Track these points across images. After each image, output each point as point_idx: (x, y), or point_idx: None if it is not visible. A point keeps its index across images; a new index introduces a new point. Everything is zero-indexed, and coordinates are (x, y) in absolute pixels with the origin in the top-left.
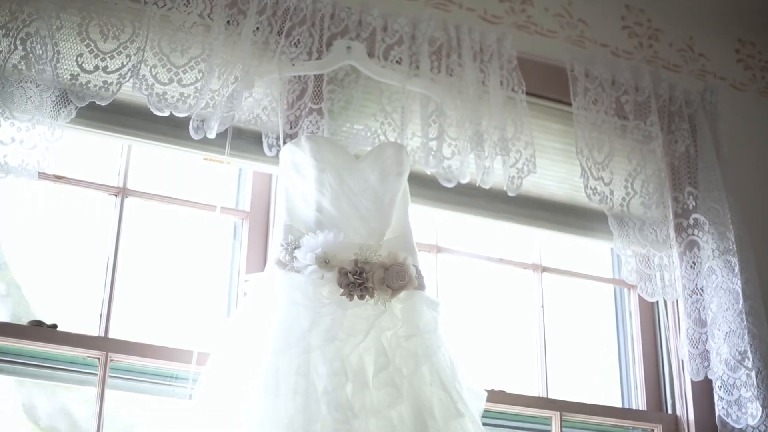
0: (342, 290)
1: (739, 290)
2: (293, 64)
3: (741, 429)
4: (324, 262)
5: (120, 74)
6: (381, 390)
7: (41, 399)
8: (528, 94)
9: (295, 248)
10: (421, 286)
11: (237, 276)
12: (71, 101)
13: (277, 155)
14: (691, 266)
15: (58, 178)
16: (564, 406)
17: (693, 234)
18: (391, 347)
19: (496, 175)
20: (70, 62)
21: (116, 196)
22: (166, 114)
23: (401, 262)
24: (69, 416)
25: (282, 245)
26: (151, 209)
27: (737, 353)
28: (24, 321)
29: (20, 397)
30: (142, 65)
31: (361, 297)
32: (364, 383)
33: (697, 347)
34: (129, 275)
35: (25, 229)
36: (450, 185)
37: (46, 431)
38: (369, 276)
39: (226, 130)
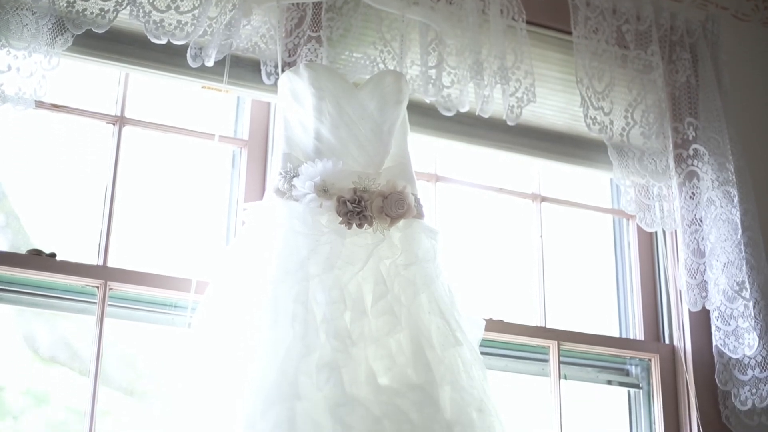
0: (341, 219)
1: (738, 221)
2: None
3: (737, 359)
4: (323, 190)
5: (117, 1)
6: (379, 318)
7: (42, 329)
8: (528, 23)
9: (294, 177)
10: (420, 215)
11: (235, 205)
12: (68, 29)
13: (275, 83)
14: (690, 197)
15: (56, 107)
16: (562, 336)
17: (692, 164)
18: (390, 276)
19: (496, 104)
20: None
21: (114, 124)
22: (164, 42)
23: (400, 191)
24: (69, 346)
25: (280, 174)
26: (149, 138)
27: (735, 284)
28: (23, 251)
29: (21, 328)
30: None
31: (360, 225)
32: (363, 311)
33: (695, 278)
34: (127, 204)
35: (22, 159)
36: (449, 114)
37: (47, 361)
38: (368, 204)
39: (224, 58)
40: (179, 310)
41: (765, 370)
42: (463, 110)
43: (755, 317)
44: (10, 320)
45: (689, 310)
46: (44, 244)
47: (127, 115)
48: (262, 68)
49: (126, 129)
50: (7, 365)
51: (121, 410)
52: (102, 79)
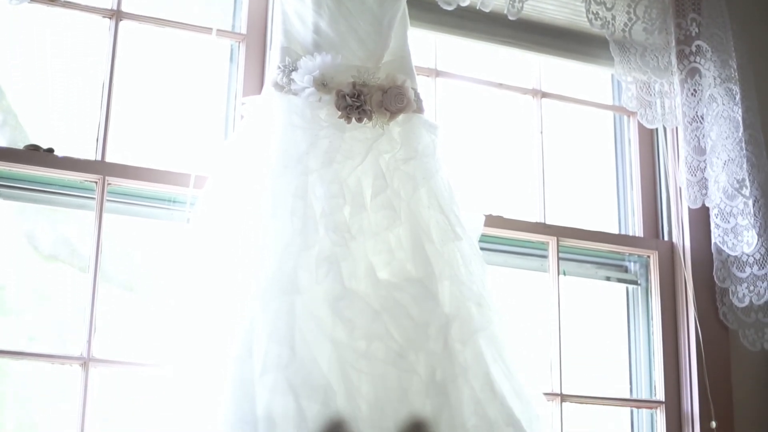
0: (340, 113)
1: (740, 119)
2: None
3: (736, 256)
4: (321, 84)
5: None
6: (379, 213)
7: (42, 227)
8: None
9: (292, 71)
10: (419, 110)
11: (234, 99)
12: None
13: None
14: (692, 94)
15: (51, 2)
16: (561, 232)
17: (695, 61)
18: (389, 170)
19: None
20: None
21: (110, 18)
22: None
23: (399, 85)
24: (69, 244)
25: (279, 67)
26: (147, 33)
27: (735, 181)
28: (21, 147)
29: (22, 226)
30: None
31: (359, 120)
32: (362, 206)
33: (695, 175)
34: (125, 100)
35: (19, 56)
36: (449, 8)
37: (48, 259)
38: (367, 98)
39: None
40: (178, 205)
41: (763, 268)
42: (463, 4)
43: (754, 215)
44: (11, 219)
45: (689, 208)
46: (42, 140)
47: (123, 9)
48: None
49: (123, 23)
50: (8, 263)
51: (121, 306)
52: None
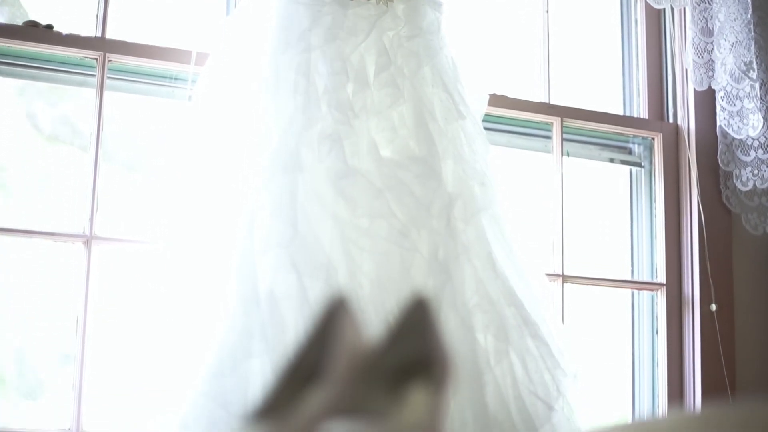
0: None
1: (748, 0)
2: None
3: (741, 140)
4: None
5: None
6: (382, 90)
7: (43, 107)
8: None
9: None
10: None
11: None
12: None
13: None
14: None
15: None
16: (565, 112)
17: None
18: (393, 47)
19: None
20: None
21: None
22: None
23: None
24: (70, 124)
25: None
26: None
27: (742, 64)
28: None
29: (22, 107)
30: None
31: None
32: (365, 83)
33: (702, 57)
34: None
35: None
36: None
37: (49, 139)
38: None
39: None
40: (179, 82)
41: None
42: None
43: (761, 98)
44: (11, 100)
45: (694, 90)
46: (42, 16)
47: None
48: None
49: None
50: (10, 145)
51: (122, 186)
52: None
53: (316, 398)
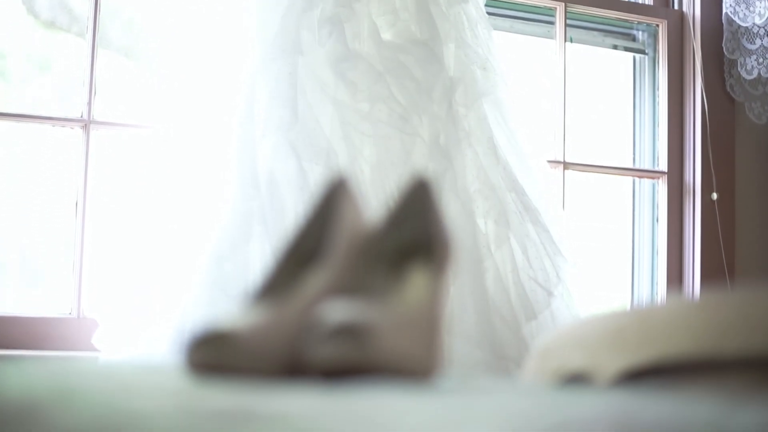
0: None
1: None
2: None
3: (747, 27)
4: None
5: None
6: None
7: None
8: None
9: None
10: None
11: None
12: None
13: None
14: None
15: None
16: None
17: None
18: None
19: None
20: None
21: None
22: None
23: None
24: (69, 11)
25: None
26: None
27: None
28: None
29: None
30: None
31: None
32: None
33: None
34: None
35: None
36: None
37: (46, 25)
38: None
39: None
40: None
41: None
42: None
43: None
44: None
45: None
46: None
47: None
48: None
49: None
50: (8, 32)
51: (120, 73)
52: None
53: (316, 279)
